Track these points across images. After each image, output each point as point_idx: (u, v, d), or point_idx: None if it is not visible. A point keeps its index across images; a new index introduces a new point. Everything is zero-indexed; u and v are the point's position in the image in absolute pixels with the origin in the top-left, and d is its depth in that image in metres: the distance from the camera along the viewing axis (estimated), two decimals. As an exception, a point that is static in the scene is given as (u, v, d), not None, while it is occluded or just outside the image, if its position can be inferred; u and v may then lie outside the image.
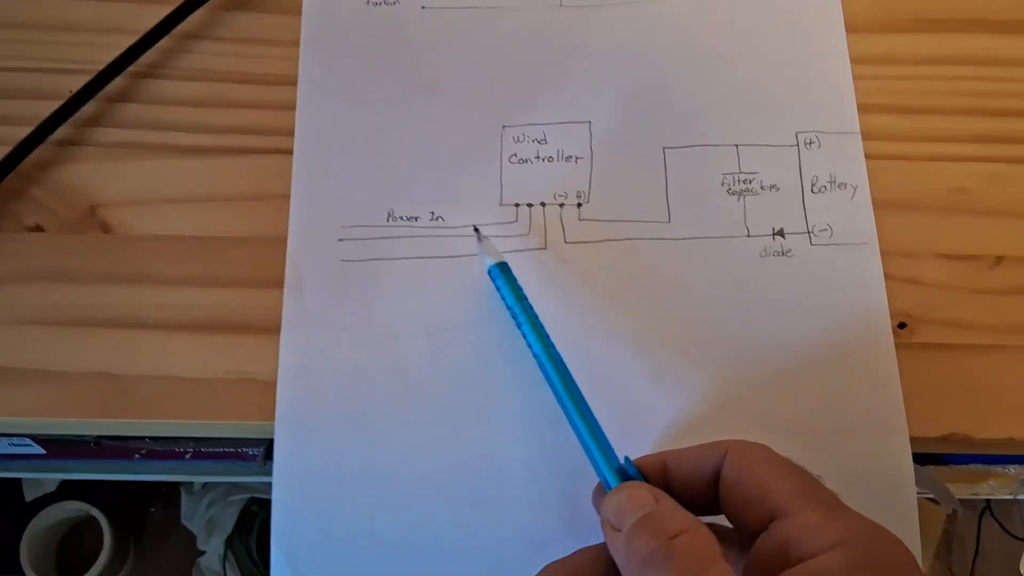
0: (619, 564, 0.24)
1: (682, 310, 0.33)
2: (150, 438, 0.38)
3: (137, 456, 0.43)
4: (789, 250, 0.34)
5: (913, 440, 0.31)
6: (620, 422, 0.30)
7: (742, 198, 0.35)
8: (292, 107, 0.36)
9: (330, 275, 0.34)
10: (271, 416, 0.32)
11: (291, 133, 0.36)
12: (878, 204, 0.34)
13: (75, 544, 0.76)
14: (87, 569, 0.71)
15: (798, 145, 0.36)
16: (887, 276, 0.33)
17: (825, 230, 0.34)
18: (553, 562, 0.26)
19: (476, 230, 0.34)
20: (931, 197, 0.35)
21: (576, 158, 0.36)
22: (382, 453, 0.32)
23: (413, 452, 0.32)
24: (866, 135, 0.35)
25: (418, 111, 0.36)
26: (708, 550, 0.22)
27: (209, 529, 0.71)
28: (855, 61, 0.36)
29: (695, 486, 0.26)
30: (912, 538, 0.31)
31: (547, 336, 0.29)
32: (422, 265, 0.34)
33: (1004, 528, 0.71)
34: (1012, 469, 0.43)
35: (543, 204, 0.35)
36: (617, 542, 0.24)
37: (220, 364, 0.33)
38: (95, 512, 0.72)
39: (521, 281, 0.33)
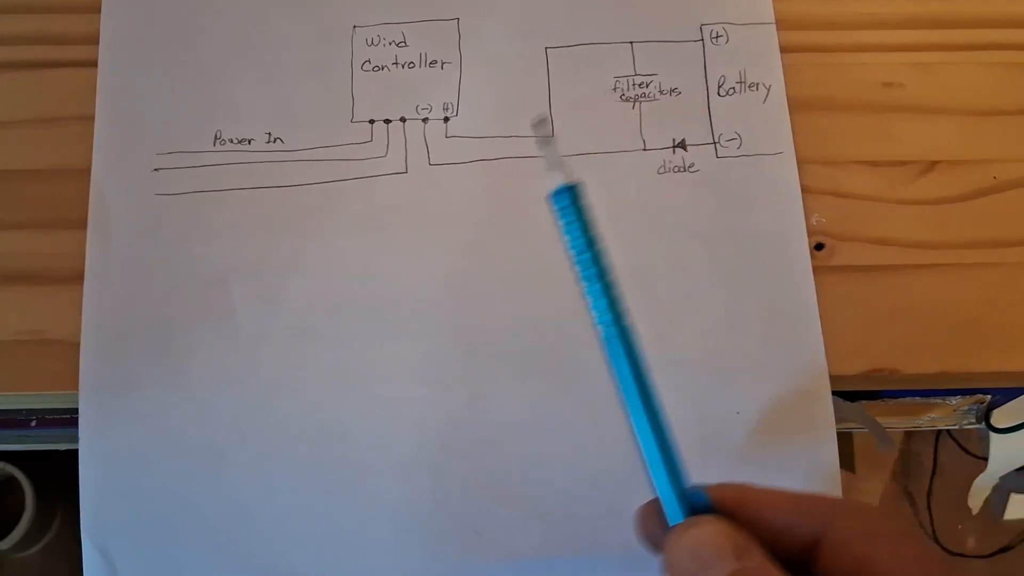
0: None
1: (567, 238, 0.28)
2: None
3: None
4: (692, 164, 0.30)
5: (833, 379, 0.28)
6: (496, 364, 0.27)
7: (637, 105, 0.30)
8: (96, 9, 0.31)
9: (142, 212, 0.29)
10: (74, 383, 0.27)
11: (96, 41, 0.30)
12: (792, 105, 0.30)
13: (-5, 506, 0.73)
14: (10, 531, 0.68)
15: (703, 40, 0.31)
16: (803, 188, 0.29)
17: (733, 139, 0.30)
18: None
19: (541, 128, 0.27)
20: (854, 94, 0.31)
21: (442, 63, 0.31)
22: (208, 423, 0.27)
23: (245, 419, 0.27)
24: (779, 24, 0.31)
25: (249, 9, 0.31)
26: None
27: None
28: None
29: (781, 540, 0.20)
30: (833, 484, 0.28)
31: (620, 301, 0.20)
32: (256, 197, 0.29)
33: (962, 447, 0.69)
34: (954, 400, 0.39)
35: (403, 119, 0.30)
36: None
37: (8, 323, 0.28)
38: (13, 470, 0.68)
39: (379, 211, 0.29)
